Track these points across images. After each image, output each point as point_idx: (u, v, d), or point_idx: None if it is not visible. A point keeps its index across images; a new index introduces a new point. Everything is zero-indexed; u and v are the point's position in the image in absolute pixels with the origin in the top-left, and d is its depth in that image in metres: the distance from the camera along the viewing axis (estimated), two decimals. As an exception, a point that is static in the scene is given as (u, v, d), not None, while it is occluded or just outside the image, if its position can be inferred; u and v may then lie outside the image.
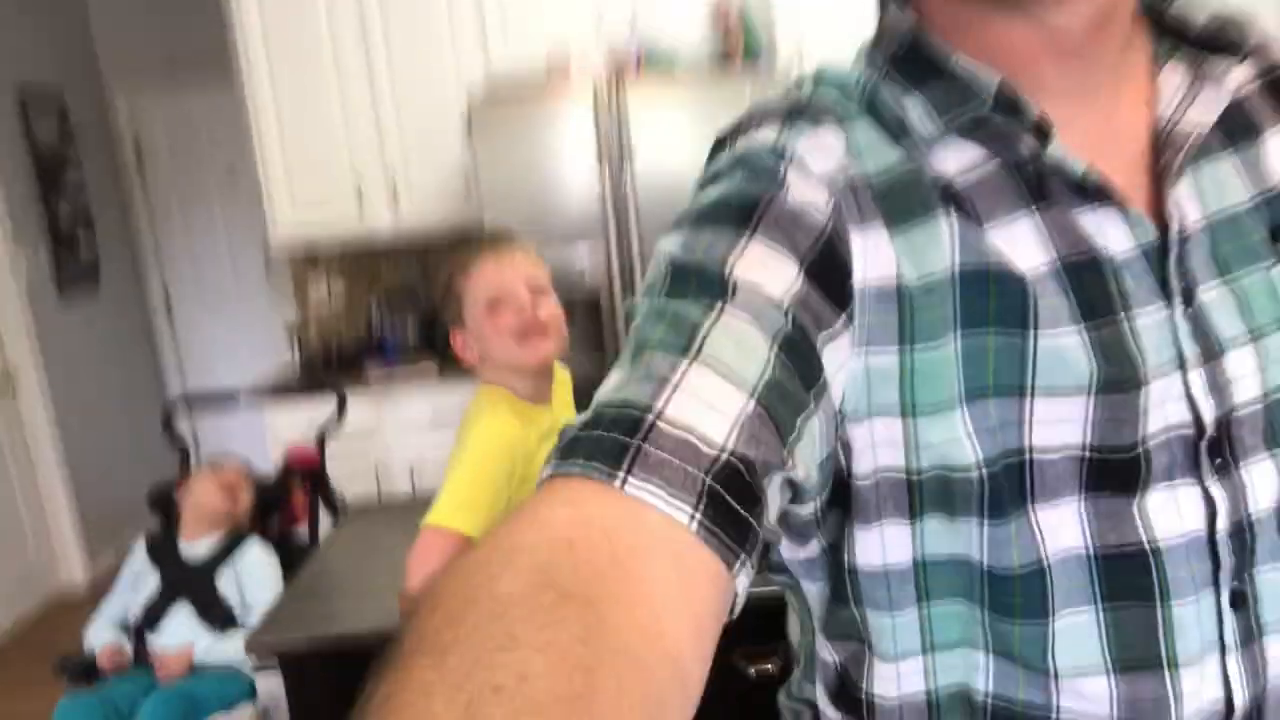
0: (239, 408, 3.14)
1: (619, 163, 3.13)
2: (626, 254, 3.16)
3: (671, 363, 0.45)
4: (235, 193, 4.73)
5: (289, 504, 2.56)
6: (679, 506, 0.41)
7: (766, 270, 0.49)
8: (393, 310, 3.74)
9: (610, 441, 0.43)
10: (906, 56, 0.56)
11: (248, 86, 3.42)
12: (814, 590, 0.60)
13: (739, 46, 3.28)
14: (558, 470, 0.43)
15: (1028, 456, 0.52)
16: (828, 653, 0.61)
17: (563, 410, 1.61)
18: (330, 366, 3.55)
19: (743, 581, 0.43)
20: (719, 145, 0.58)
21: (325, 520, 2.57)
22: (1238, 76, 0.57)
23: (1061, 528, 0.52)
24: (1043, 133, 0.52)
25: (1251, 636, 0.55)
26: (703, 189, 0.55)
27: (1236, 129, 0.58)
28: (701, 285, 0.49)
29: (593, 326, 3.20)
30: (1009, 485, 0.52)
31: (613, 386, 0.46)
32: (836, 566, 0.57)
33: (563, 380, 1.65)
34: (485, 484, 1.42)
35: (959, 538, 0.53)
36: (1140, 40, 0.58)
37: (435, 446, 3.20)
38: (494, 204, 3.03)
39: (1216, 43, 0.57)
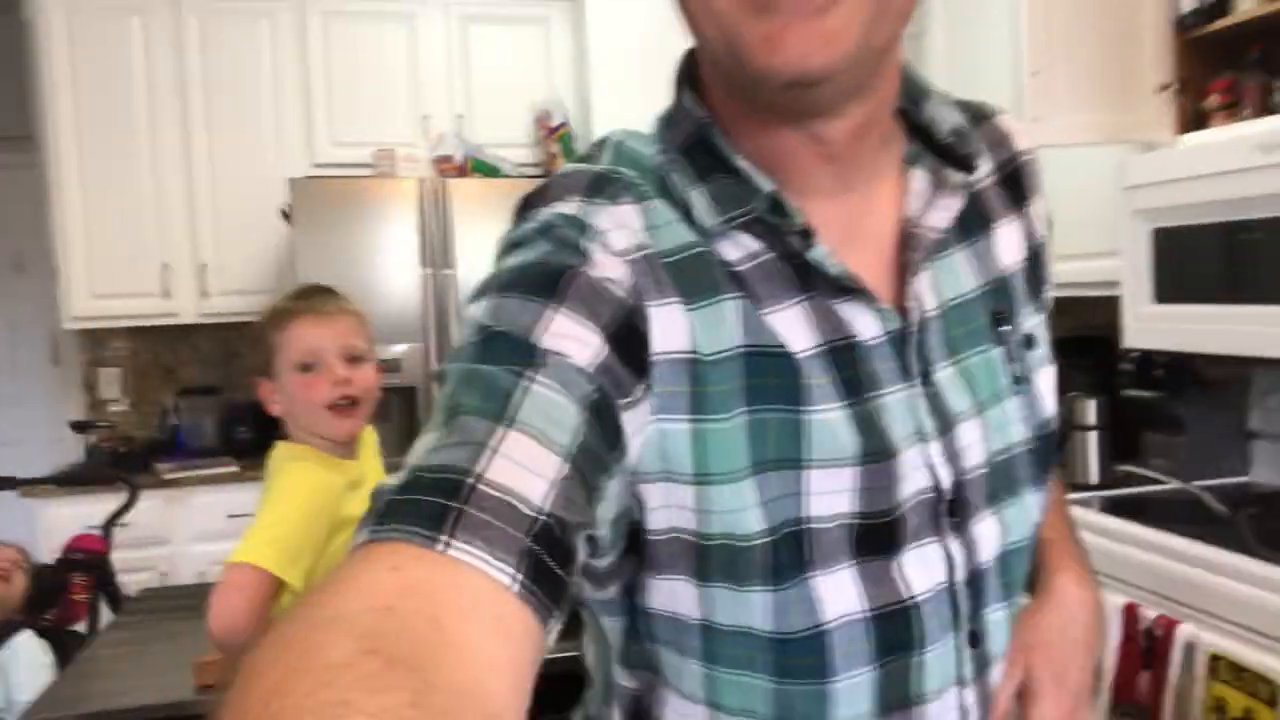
0: (13, 496, 2.89)
1: (440, 261, 3.20)
2: (445, 351, 3.19)
3: (487, 427, 0.47)
4: (19, 278, 4.43)
5: (67, 595, 2.37)
6: (500, 568, 0.43)
7: (572, 340, 0.52)
8: (191, 407, 3.58)
9: (430, 505, 0.44)
10: (694, 148, 0.61)
11: (51, 167, 3.30)
12: (611, 624, 0.63)
13: (559, 158, 3.46)
14: (376, 535, 0.44)
15: (807, 526, 0.56)
16: (624, 680, 0.64)
17: (369, 464, 1.60)
18: (120, 462, 3.34)
19: (554, 633, 0.45)
20: (522, 212, 0.61)
21: (107, 616, 2.39)
22: (976, 174, 0.64)
23: (839, 593, 0.57)
24: (806, 235, 0.58)
25: (982, 668, 0.64)
26: (507, 253, 0.58)
27: (971, 222, 0.65)
28: (511, 352, 0.51)
29: (407, 421, 3.18)
30: (790, 554, 0.56)
31: (427, 450, 0.47)
32: (632, 607, 0.60)
33: (369, 438, 1.63)
34: (292, 526, 1.40)
35: (743, 607, 0.57)
36: (893, 142, 0.64)
37: (227, 552, 3.04)
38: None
39: (957, 151, 0.64)
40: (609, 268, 0.55)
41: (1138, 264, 2.26)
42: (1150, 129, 2.33)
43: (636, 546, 0.57)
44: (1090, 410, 2.49)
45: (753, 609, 0.56)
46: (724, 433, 0.56)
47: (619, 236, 0.56)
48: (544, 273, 0.54)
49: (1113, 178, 2.29)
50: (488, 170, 3.42)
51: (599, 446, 0.50)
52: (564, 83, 3.59)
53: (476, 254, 3.17)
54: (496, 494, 0.45)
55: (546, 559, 0.44)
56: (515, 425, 0.47)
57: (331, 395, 1.47)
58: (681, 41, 0.61)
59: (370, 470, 1.59)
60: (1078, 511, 0.85)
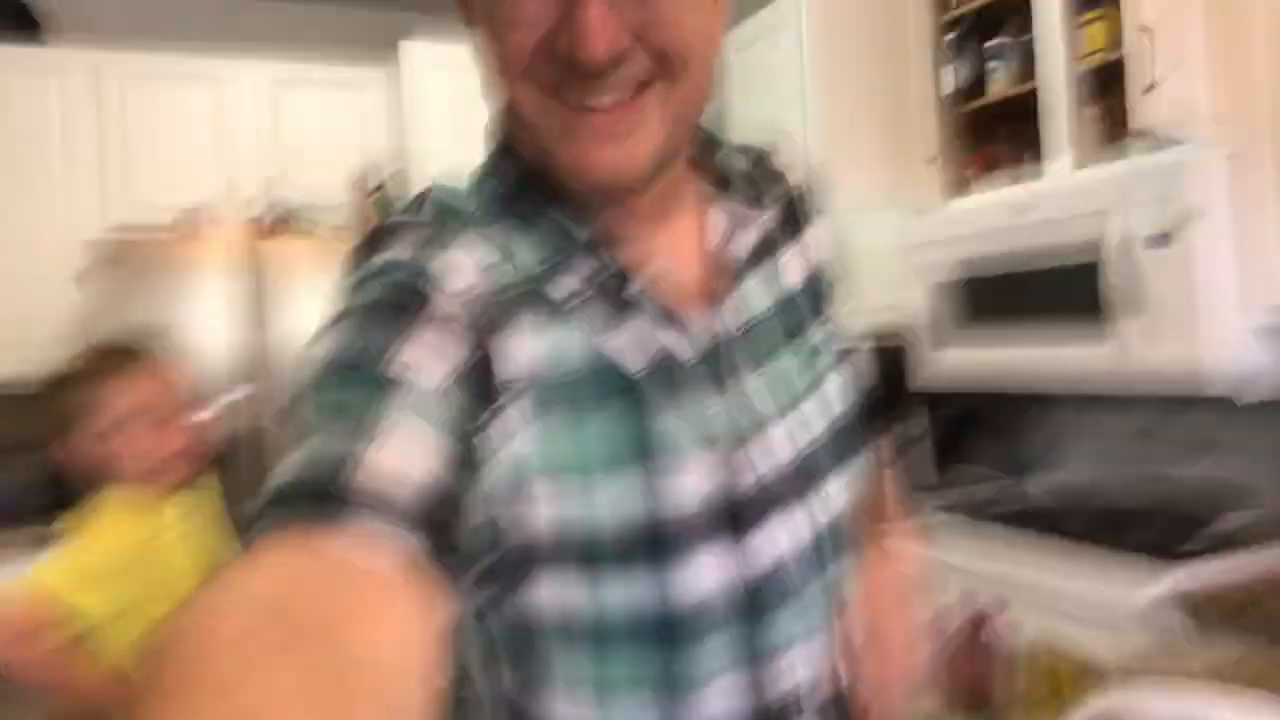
0: None
1: (253, 321, 3.12)
2: (262, 410, 3.10)
3: (356, 438, 0.48)
4: None
5: None
6: (397, 539, 0.44)
7: (423, 368, 0.54)
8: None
9: (322, 487, 0.45)
10: (512, 198, 0.67)
11: None
12: (490, 620, 0.65)
13: (376, 219, 3.45)
14: (271, 520, 0.45)
15: (667, 515, 0.63)
16: (503, 674, 0.66)
17: (196, 507, 1.60)
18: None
19: (457, 598, 0.48)
20: (357, 258, 0.63)
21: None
22: (765, 208, 0.75)
23: (701, 570, 0.64)
24: (623, 274, 0.65)
25: (819, 625, 0.71)
26: (348, 296, 0.60)
27: (763, 248, 0.75)
28: (367, 379, 0.52)
29: (222, 478, 3.04)
30: (657, 540, 0.62)
31: (303, 455, 0.48)
32: (512, 604, 0.63)
33: (207, 488, 1.63)
34: (94, 555, 1.40)
35: (625, 588, 0.62)
36: (694, 184, 0.73)
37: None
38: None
39: (749, 190, 0.74)
40: (450, 302, 0.58)
41: (920, 315, 2.53)
42: (923, 195, 2.62)
43: (510, 552, 0.61)
44: (889, 448, 2.72)
45: (632, 589, 0.62)
46: (581, 439, 0.61)
47: (455, 277, 0.59)
48: (389, 307, 0.57)
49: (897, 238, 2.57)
50: (301, 231, 3.38)
51: (462, 457, 0.52)
52: (380, 145, 3.61)
53: (291, 313, 3.11)
54: (384, 470, 0.47)
55: (442, 527, 0.47)
56: (380, 435, 0.49)
57: (151, 450, 1.48)
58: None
59: (198, 513, 1.60)
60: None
